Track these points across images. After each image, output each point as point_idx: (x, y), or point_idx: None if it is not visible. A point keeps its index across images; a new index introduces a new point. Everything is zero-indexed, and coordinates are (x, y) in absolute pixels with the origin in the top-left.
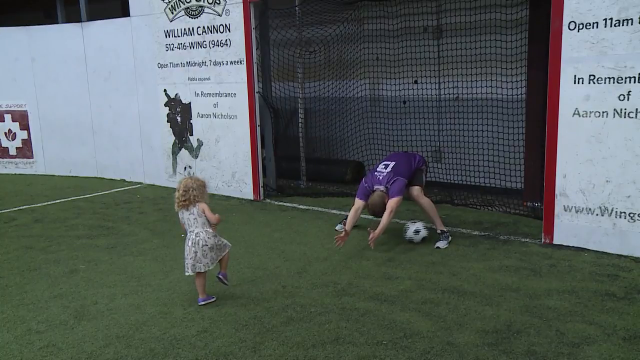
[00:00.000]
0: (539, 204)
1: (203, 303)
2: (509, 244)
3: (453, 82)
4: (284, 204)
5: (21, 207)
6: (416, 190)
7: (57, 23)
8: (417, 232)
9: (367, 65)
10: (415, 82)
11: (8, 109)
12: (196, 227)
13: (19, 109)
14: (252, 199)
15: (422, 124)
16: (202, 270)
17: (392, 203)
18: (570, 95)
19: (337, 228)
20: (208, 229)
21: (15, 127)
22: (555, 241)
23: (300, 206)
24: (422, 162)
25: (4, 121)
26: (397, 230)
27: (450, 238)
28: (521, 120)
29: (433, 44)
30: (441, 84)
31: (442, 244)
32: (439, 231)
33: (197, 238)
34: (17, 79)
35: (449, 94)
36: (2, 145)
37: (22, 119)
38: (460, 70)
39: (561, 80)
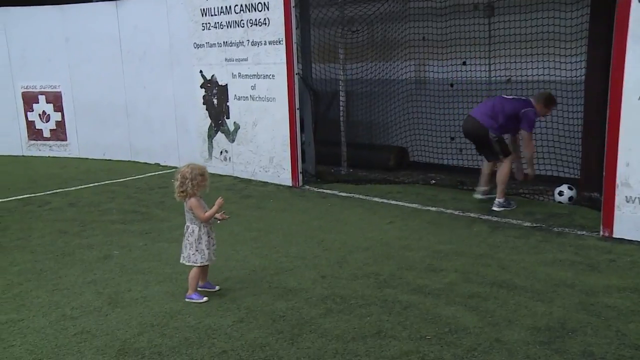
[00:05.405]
0: (598, 194)
1: (188, 300)
2: (563, 236)
3: (505, 64)
4: (324, 190)
5: (55, 191)
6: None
7: (92, 1)
8: (560, 194)
9: (413, 46)
10: (464, 63)
11: (42, 90)
12: (187, 219)
13: (53, 90)
14: (291, 185)
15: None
16: (181, 262)
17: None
18: (636, 77)
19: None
20: (193, 225)
21: (49, 108)
22: (616, 234)
23: (341, 193)
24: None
25: (38, 102)
26: (441, 220)
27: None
28: (579, 104)
29: (484, 22)
30: (492, 66)
31: (497, 207)
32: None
33: (186, 230)
34: (51, 59)
35: (501, 76)
36: (37, 127)
37: (56, 100)
38: (513, 50)
39: (626, 59)
